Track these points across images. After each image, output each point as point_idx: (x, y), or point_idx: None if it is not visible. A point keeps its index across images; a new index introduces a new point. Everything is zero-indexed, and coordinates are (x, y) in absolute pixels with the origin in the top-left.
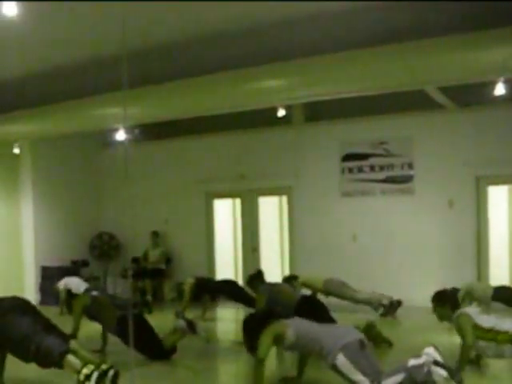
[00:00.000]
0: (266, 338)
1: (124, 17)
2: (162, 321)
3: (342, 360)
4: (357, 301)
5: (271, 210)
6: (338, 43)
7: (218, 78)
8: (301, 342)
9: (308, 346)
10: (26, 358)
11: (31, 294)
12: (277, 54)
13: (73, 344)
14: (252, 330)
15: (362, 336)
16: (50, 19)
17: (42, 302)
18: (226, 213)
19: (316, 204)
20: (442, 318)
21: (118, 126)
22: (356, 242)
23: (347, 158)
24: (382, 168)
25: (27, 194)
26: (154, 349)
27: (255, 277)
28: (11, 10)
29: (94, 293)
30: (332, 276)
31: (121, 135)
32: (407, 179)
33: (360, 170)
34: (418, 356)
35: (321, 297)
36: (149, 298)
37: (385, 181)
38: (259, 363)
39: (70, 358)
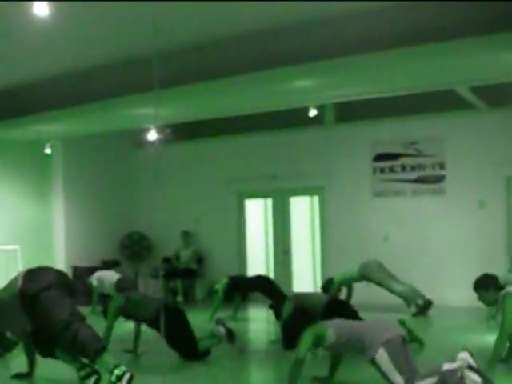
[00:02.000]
0: (306, 339)
1: (155, 16)
2: (193, 321)
3: (382, 355)
4: (392, 291)
5: (303, 210)
6: (370, 43)
7: (250, 78)
8: (342, 341)
9: (349, 342)
10: (57, 342)
11: None
12: (308, 54)
13: None
14: (293, 329)
15: (403, 332)
16: (82, 19)
17: (74, 302)
18: (257, 213)
19: (347, 204)
20: (488, 302)
21: (149, 125)
22: (387, 242)
23: (378, 158)
24: (413, 168)
25: (58, 194)
26: (189, 346)
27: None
28: (42, 10)
29: (126, 293)
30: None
31: (152, 135)
32: (439, 179)
33: (391, 170)
34: (453, 360)
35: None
36: (180, 298)
37: (416, 181)
38: (298, 363)
39: (106, 356)
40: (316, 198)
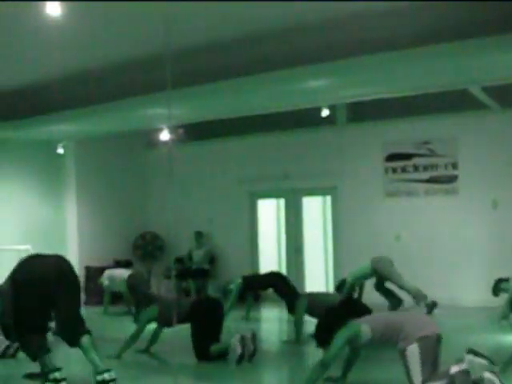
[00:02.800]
0: (339, 341)
1: (168, 16)
2: None
3: (414, 349)
4: (401, 286)
5: (315, 210)
6: (382, 43)
7: (262, 78)
8: (377, 336)
9: (385, 335)
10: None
11: None
12: (321, 55)
13: (86, 340)
14: (327, 326)
15: (439, 330)
16: (94, 19)
17: (86, 302)
18: (269, 213)
19: (360, 204)
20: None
21: (162, 126)
22: (399, 242)
23: (391, 158)
24: (425, 168)
25: (71, 195)
26: (207, 345)
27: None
28: (55, 10)
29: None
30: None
31: (165, 135)
32: (451, 179)
33: (404, 170)
34: (460, 361)
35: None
36: (192, 298)
37: (429, 181)
38: (323, 366)
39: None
40: (328, 198)
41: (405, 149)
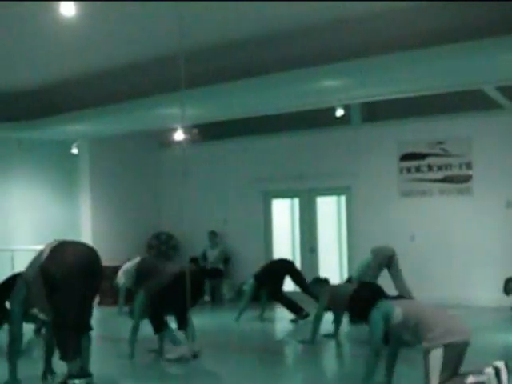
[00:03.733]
0: (375, 321)
1: (182, 15)
2: (220, 321)
3: (438, 354)
4: (394, 278)
5: (329, 209)
6: (397, 43)
7: (276, 78)
8: (408, 324)
9: (416, 327)
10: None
11: None
12: (335, 54)
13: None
14: (361, 300)
15: (469, 337)
16: (108, 19)
17: (101, 302)
18: (284, 213)
19: (374, 204)
20: None
21: (176, 125)
22: (414, 241)
23: (405, 157)
24: (440, 168)
25: (85, 194)
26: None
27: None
28: (69, 10)
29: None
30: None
31: (179, 135)
32: (465, 179)
33: (418, 169)
34: (480, 374)
35: None
36: (207, 298)
37: (443, 181)
38: (375, 355)
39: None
40: (343, 198)
41: (419, 148)
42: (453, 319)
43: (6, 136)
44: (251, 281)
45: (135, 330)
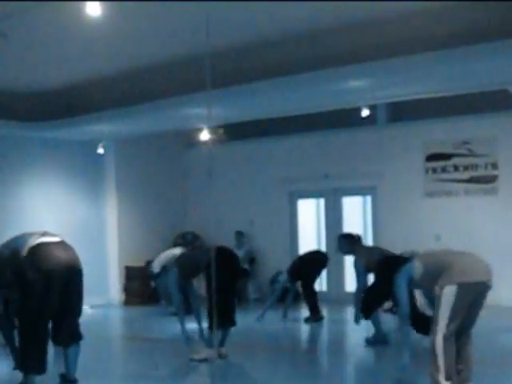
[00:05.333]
0: (400, 284)
1: (208, 15)
2: (245, 321)
3: (450, 291)
4: None
5: (355, 210)
6: (423, 43)
7: (302, 78)
8: (429, 270)
9: (436, 270)
10: None
11: (115, 295)
12: (361, 54)
13: None
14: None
15: (487, 279)
16: (134, 19)
17: (126, 302)
18: (309, 213)
19: (400, 204)
20: None
21: (202, 125)
22: (439, 242)
23: (431, 158)
24: (465, 168)
25: (111, 195)
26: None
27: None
28: (95, 10)
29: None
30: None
31: (205, 135)
32: (491, 179)
33: (444, 170)
34: None
35: None
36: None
37: (468, 181)
38: (404, 319)
39: None
40: (368, 198)
41: (445, 149)
42: (472, 259)
43: (31, 136)
44: (284, 276)
45: (180, 312)
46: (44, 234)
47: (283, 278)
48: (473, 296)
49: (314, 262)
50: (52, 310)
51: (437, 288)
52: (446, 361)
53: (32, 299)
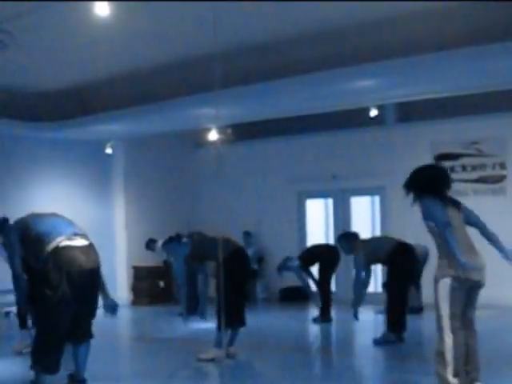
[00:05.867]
0: (435, 206)
1: (216, 16)
2: (253, 321)
3: (445, 284)
4: None
5: (364, 210)
6: (431, 43)
7: (310, 78)
8: (436, 233)
9: (440, 248)
10: None
11: (123, 294)
12: (369, 54)
13: None
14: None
15: (479, 278)
16: (142, 19)
17: (134, 302)
18: (318, 213)
19: (408, 204)
20: None
21: (210, 125)
22: None
23: (439, 158)
24: (474, 168)
25: (119, 195)
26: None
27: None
28: (103, 10)
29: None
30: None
31: (213, 135)
32: (499, 179)
33: (452, 170)
34: None
35: None
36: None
37: (477, 181)
38: (448, 233)
39: None
40: (377, 198)
41: (453, 149)
42: (472, 256)
43: (40, 136)
44: (295, 262)
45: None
46: (71, 237)
47: (294, 263)
48: (467, 292)
49: (328, 252)
50: (72, 311)
51: (434, 279)
52: (454, 357)
53: (53, 299)
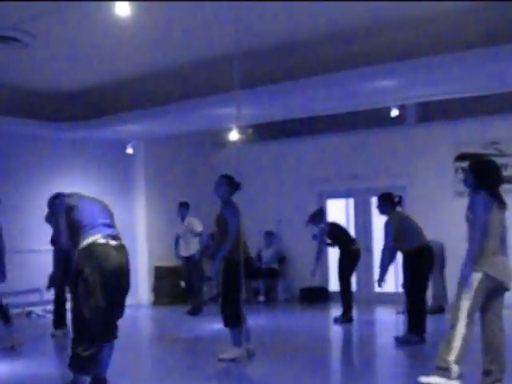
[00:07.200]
0: (485, 203)
1: (237, 16)
2: (274, 321)
3: (476, 278)
4: None
5: None
6: (452, 43)
7: (331, 78)
8: (489, 227)
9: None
10: None
11: (145, 295)
12: (391, 55)
13: None
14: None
15: (508, 283)
16: (164, 19)
17: (156, 302)
18: (339, 213)
19: (429, 203)
20: None
21: (231, 125)
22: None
23: (460, 157)
24: None
25: (140, 194)
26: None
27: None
28: (124, 10)
29: None
30: None
31: (234, 135)
32: None
33: None
34: None
35: None
36: (262, 298)
37: None
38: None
39: None
40: None
41: (474, 149)
42: (502, 258)
43: (61, 136)
44: (323, 229)
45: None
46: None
47: (320, 229)
48: (494, 291)
49: (349, 241)
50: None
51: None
52: (462, 344)
53: (91, 299)
